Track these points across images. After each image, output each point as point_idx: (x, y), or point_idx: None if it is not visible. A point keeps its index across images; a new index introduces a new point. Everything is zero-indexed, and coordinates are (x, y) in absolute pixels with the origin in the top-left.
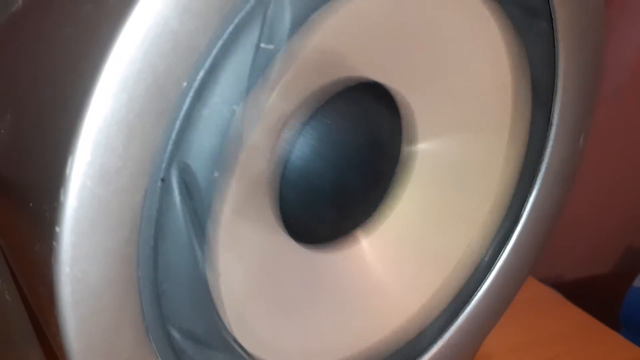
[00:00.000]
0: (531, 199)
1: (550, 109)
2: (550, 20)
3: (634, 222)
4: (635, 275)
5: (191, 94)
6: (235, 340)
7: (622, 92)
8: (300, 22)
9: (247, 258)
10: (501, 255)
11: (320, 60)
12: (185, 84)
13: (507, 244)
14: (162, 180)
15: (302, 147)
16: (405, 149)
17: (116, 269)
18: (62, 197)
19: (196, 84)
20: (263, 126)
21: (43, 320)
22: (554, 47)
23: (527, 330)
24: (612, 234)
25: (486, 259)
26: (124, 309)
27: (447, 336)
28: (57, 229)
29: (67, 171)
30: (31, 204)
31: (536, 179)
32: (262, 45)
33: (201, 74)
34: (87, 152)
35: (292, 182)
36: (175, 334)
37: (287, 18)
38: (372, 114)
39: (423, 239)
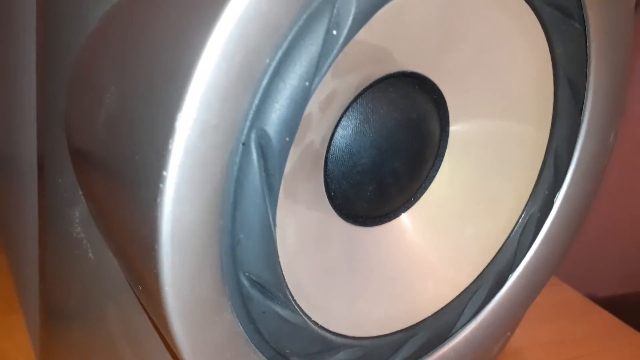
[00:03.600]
0: (562, 191)
1: (582, 105)
2: (583, 22)
3: None
4: None
5: (271, 69)
6: (292, 296)
7: None
8: (362, 14)
9: (298, 220)
10: (533, 244)
11: (371, 50)
12: (267, 60)
13: (539, 234)
14: (243, 144)
15: (347, 127)
16: (444, 135)
17: (206, 214)
18: (170, 146)
19: (275, 61)
20: (320, 102)
21: (139, 260)
22: (587, 47)
23: (556, 330)
24: None
25: (519, 245)
26: (207, 252)
27: (479, 318)
28: (164, 173)
29: (177, 125)
30: (137, 157)
31: (567, 172)
32: (330, 31)
33: (280, 53)
34: (194, 109)
35: (336, 158)
36: (245, 282)
37: (352, 11)
38: (413, 100)
39: (460, 223)
